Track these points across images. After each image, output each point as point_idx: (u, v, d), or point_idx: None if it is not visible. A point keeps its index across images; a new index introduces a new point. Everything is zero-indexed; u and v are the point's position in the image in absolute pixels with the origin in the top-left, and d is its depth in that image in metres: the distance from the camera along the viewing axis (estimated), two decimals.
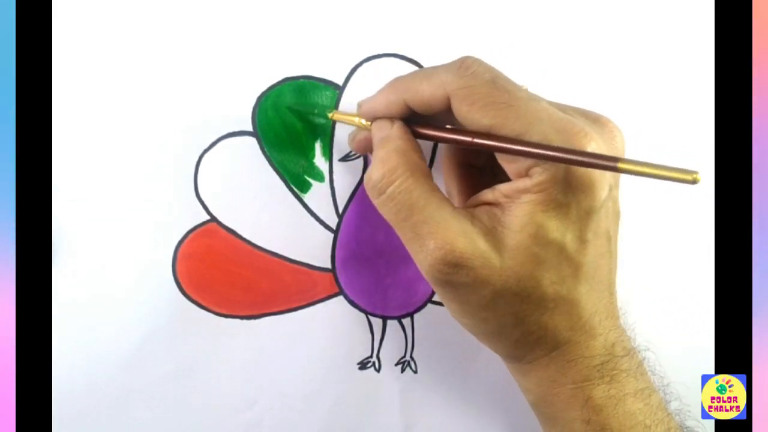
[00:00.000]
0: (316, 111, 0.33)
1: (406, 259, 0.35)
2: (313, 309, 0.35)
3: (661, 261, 0.37)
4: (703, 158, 0.36)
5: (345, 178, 0.35)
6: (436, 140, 0.29)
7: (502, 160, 0.27)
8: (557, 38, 0.35)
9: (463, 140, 0.27)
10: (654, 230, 0.36)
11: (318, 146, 0.34)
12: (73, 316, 0.33)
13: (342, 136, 0.34)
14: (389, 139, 0.29)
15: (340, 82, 0.34)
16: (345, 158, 0.34)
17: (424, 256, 0.27)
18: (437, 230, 0.27)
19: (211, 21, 0.33)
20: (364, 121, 0.31)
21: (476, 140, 0.27)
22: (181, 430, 0.35)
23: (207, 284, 0.34)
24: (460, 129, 0.28)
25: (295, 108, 0.33)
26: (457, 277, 0.26)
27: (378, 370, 0.36)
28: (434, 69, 0.28)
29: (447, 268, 0.26)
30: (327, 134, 0.34)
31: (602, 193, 0.27)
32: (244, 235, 0.34)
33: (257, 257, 0.35)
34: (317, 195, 0.35)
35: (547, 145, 0.25)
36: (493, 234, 0.27)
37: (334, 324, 0.36)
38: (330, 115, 0.33)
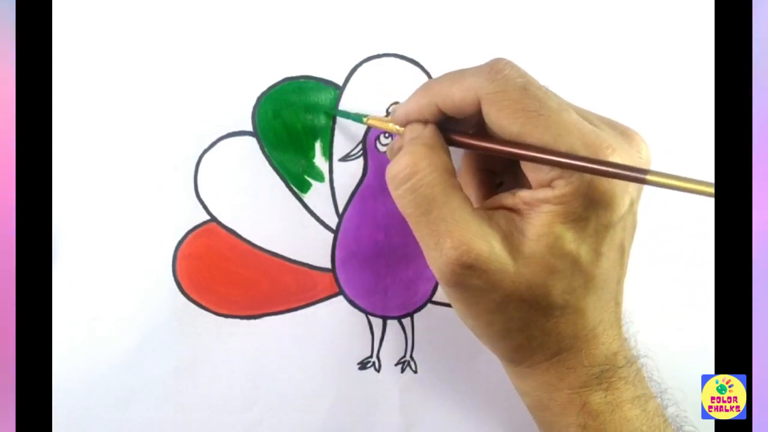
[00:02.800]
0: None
1: (406, 259, 0.35)
2: (313, 309, 0.35)
3: (660, 261, 0.37)
4: (703, 159, 0.36)
5: (345, 178, 0.34)
6: (469, 148, 0.28)
7: (527, 168, 0.27)
8: (557, 38, 0.35)
9: (497, 149, 0.27)
10: (654, 230, 0.36)
11: (318, 146, 0.34)
12: (73, 316, 0.33)
13: (342, 136, 0.34)
14: (420, 137, 0.28)
15: (340, 82, 0.34)
16: (345, 158, 0.34)
17: (438, 254, 0.26)
18: (455, 229, 0.26)
19: (211, 21, 0.33)
20: (398, 127, 0.30)
21: (508, 149, 0.26)
22: (181, 430, 0.35)
23: (207, 284, 0.34)
24: (491, 137, 0.27)
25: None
26: (470, 279, 0.26)
27: (378, 370, 0.36)
28: (464, 72, 0.27)
29: (461, 269, 0.26)
30: (327, 134, 0.34)
31: (622, 208, 0.26)
32: (244, 235, 0.34)
33: (257, 257, 0.35)
34: (317, 195, 0.35)
35: (575, 155, 0.25)
36: (509, 239, 0.26)
37: (334, 324, 0.36)
38: (365, 120, 0.32)
